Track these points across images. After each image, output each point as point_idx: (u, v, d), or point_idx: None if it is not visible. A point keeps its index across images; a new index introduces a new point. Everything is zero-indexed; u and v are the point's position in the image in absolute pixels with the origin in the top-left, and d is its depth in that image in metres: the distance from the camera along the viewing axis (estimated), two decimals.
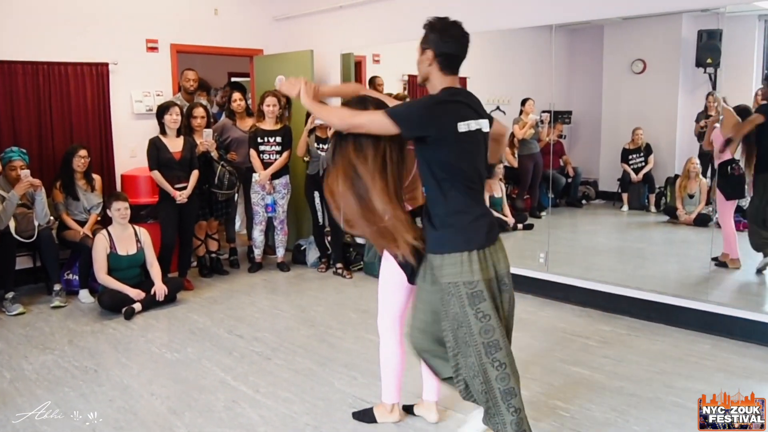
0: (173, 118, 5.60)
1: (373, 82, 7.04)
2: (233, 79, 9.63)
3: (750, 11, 5.43)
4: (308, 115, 6.04)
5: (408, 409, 3.40)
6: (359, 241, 6.53)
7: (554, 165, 7.01)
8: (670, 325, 4.63)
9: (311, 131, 6.01)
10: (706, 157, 5.90)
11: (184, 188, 5.63)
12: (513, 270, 5.13)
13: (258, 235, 6.37)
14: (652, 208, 6.83)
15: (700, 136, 5.71)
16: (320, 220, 6.24)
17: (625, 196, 6.61)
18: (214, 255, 6.38)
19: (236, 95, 6.46)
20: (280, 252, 6.49)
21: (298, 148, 6.08)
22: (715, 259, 5.07)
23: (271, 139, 6.09)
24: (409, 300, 3.06)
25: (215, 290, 5.81)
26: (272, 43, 7.45)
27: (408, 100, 3.00)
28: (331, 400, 3.58)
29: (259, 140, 6.08)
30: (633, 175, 6.40)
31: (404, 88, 7.04)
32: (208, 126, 6.03)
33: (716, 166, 5.26)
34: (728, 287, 4.91)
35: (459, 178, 2.64)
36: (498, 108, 6.87)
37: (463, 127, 2.62)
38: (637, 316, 4.80)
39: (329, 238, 6.36)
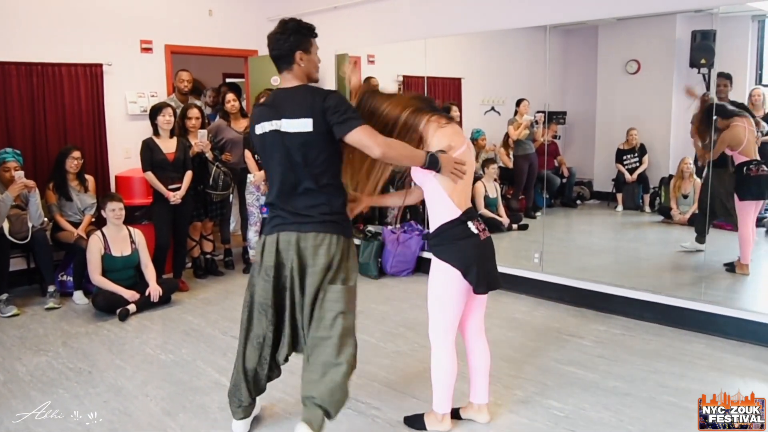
0: (166, 119, 5.59)
1: (368, 83, 7.04)
2: (228, 80, 9.63)
3: (743, 12, 5.44)
4: None
5: (455, 414, 3.29)
6: (355, 241, 6.53)
7: (549, 165, 7.03)
8: (664, 325, 4.64)
9: None
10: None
11: (178, 189, 5.62)
12: (508, 270, 5.16)
13: (253, 236, 6.36)
14: (647, 208, 6.84)
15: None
16: None
17: (619, 196, 6.62)
18: (208, 256, 6.37)
19: (230, 96, 6.45)
20: None
21: None
22: (728, 264, 5.06)
23: None
24: (463, 309, 3.07)
25: (210, 291, 5.80)
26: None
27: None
28: None
29: None
30: (627, 175, 6.41)
31: (399, 88, 7.03)
32: (202, 127, 6.03)
33: (734, 166, 5.25)
34: (722, 287, 4.92)
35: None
36: (493, 108, 6.90)
37: (258, 129, 2.91)
38: (632, 316, 4.81)
39: None
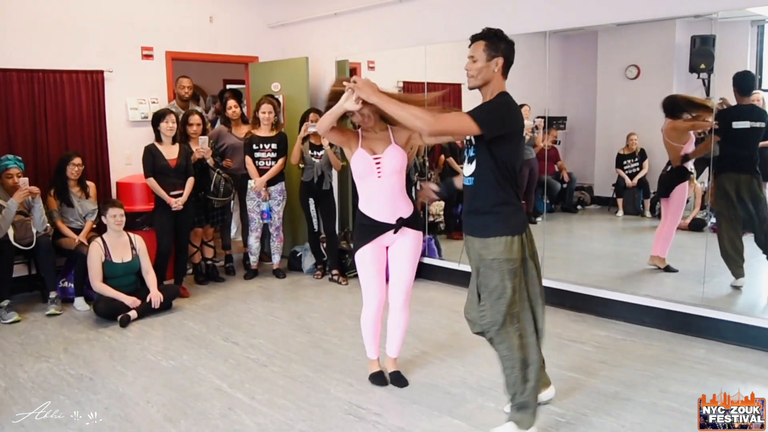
0: (169, 126, 5.61)
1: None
2: (228, 86, 9.65)
3: (742, 17, 5.45)
4: (302, 122, 6.05)
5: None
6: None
7: (549, 171, 7.03)
8: (665, 330, 4.64)
9: (305, 138, 6.02)
10: (700, 162, 5.93)
11: (180, 195, 5.63)
12: None
13: (254, 242, 6.37)
14: (647, 213, 6.84)
15: (698, 141, 5.73)
16: (315, 226, 6.24)
17: (620, 201, 6.62)
18: (209, 262, 6.38)
19: (232, 102, 6.47)
20: (276, 259, 6.49)
21: (292, 155, 6.09)
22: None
23: (267, 146, 6.10)
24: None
25: (211, 297, 5.81)
26: (267, 51, 7.47)
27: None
28: (326, 407, 3.58)
29: (255, 147, 6.09)
30: (628, 180, 6.41)
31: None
32: (203, 133, 6.04)
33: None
34: (722, 292, 4.91)
35: (514, 174, 3.04)
36: None
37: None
38: (632, 321, 4.81)
39: (324, 245, 6.36)
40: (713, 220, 5.32)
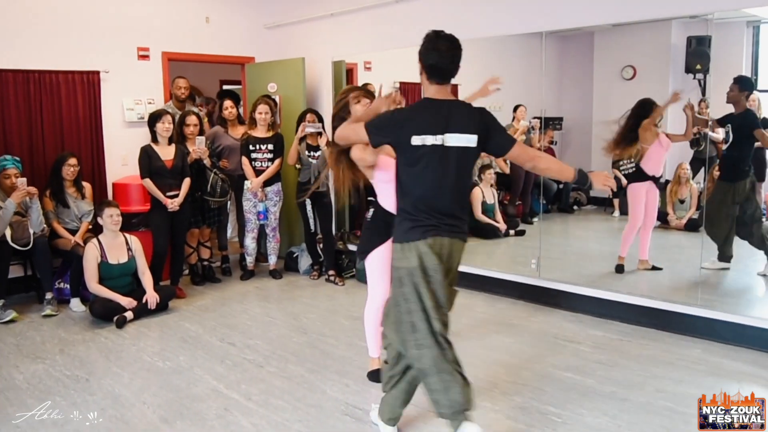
0: (165, 127, 5.60)
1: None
2: (225, 87, 9.64)
3: (738, 18, 5.46)
4: (299, 123, 6.04)
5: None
6: (351, 247, 6.54)
7: None
8: (661, 330, 4.65)
9: (302, 139, 6.01)
10: (696, 162, 5.94)
11: (176, 196, 5.62)
12: (505, 276, 5.17)
13: (250, 243, 6.37)
14: None
15: (693, 142, 5.74)
16: (312, 227, 6.24)
17: (616, 201, 6.63)
18: (206, 263, 6.37)
19: (228, 103, 6.47)
20: (273, 259, 6.49)
21: (289, 156, 6.08)
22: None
23: (263, 147, 6.10)
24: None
25: (207, 298, 5.80)
26: (264, 51, 7.46)
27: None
28: (323, 408, 3.58)
29: (251, 148, 6.09)
30: (624, 180, 6.41)
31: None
32: (200, 133, 6.04)
33: None
34: (718, 292, 4.93)
35: (409, 188, 2.93)
36: None
37: (416, 141, 2.84)
38: (629, 321, 4.82)
39: (321, 246, 6.36)
40: None
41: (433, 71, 2.93)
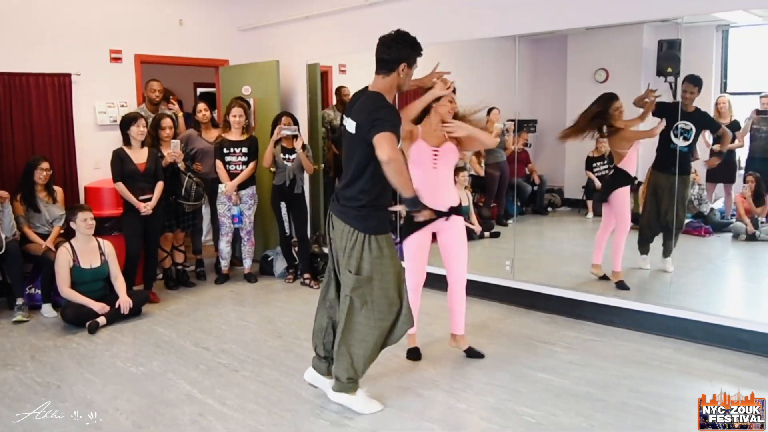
0: (140, 130, 5.55)
1: (340, 93, 7.05)
2: (200, 90, 9.61)
3: (708, 22, 5.54)
4: (274, 125, 6.01)
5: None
6: (326, 250, 6.52)
7: (520, 173, 7.08)
8: (634, 330, 4.70)
9: (277, 142, 5.99)
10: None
11: (149, 200, 5.57)
12: (480, 278, 5.19)
13: (225, 247, 6.33)
14: None
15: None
16: (287, 230, 6.22)
17: (589, 203, 6.68)
18: (180, 267, 6.32)
19: (201, 105, 6.43)
20: (247, 263, 6.45)
21: (264, 159, 6.05)
22: None
23: (237, 150, 6.07)
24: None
25: (182, 303, 5.75)
26: (238, 54, 7.42)
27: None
28: (298, 411, 3.56)
29: (225, 151, 6.06)
30: (597, 182, 6.47)
31: None
32: (175, 136, 5.99)
33: None
34: (689, 292, 4.99)
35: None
36: None
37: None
38: (602, 322, 4.86)
39: (296, 249, 6.34)
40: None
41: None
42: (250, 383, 3.96)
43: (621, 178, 5.42)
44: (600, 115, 5.30)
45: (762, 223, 5.99)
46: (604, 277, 5.31)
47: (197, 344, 4.67)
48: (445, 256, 4.14)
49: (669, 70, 5.50)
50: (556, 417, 3.41)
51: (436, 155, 3.93)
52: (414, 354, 4.25)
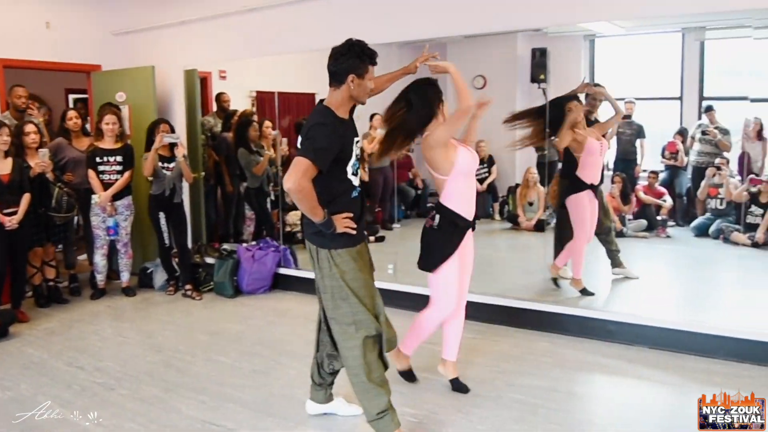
0: (3, 139, 5.21)
1: (220, 99, 6.92)
2: (73, 96, 9.17)
3: (575, 32, 5.86)
4: (150, 133, 5.81)
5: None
6: (208, 260, 6.37)
7: (404, 178, 7.21)
8: (512, 326, 4.87)
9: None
10: (542, 166, 6.30)
11: (14, 213, 5.23)
12: None
13: (100, 260, 6.04)
14: (497, 216, 7.19)
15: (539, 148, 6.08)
16: (166, 241, 6.00)
17: (496, 206, 6.90)
18: (51, 283, 5.97)
19: (72, 113, 6.11)
20: (125, 276, 6.19)
21: (144, 168, 5.80)
22: None
23: (111, 159, 5.82)
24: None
25: (54, 321, 5.43)
26: (111, 59, 7.10)
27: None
28: (178, 427, 3.46)
29: (98, 160, 5.79)
30: (477, 185, 6.68)
31: (252, 104, 6.97)
32: (41, 145, 5.66)
33: None
34: (564, 288, 5.22)
35: None
36: None
37: None
38: (481, 320, 4.98)
39: (176, 260, 6.15)
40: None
41: None
42: (127, 401, 3.80)
43: (576, 183, 5.23)
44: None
45: (629, 220, 6.40)
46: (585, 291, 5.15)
47: (70, 364, 4.43)
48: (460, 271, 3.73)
49: (541, 77, 5.77)
50: (436, 415, 3.49)
51: (475, 161, 3.70)
52: (409, 376, 3.96)
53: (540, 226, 6.53)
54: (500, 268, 6.16)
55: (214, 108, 7.00)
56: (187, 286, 6.06)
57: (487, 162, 7.06)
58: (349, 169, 3.09)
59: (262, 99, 6.81)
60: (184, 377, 4.13)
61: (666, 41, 6.32)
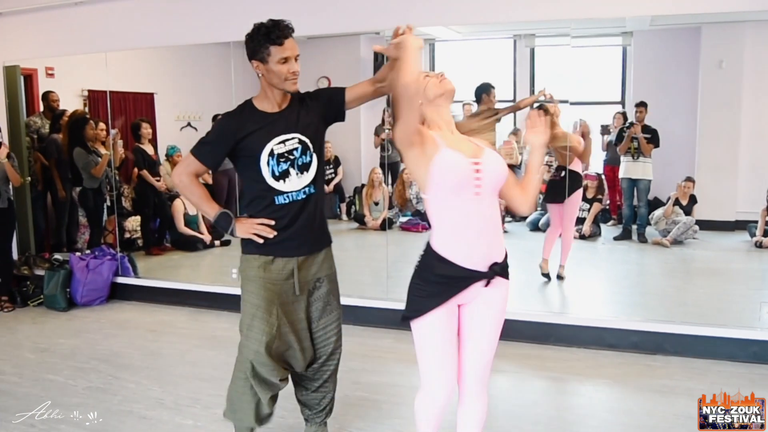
0: None
1: (47, 98, 6.47)
2: None
3: (416, 36, 6.02)
4: None
5: None
6: (38, 272, 5.93)
7: None
8: (358, 325, 4.93)
9: None
10: (384, 167, 6.45)
11: None
12: (208, 288, 5.09)
13: None
14: (344, 216, 7.27)
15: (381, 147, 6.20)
16: None
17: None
18: None
19: None
20: None
21: None
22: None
23: None
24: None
25: None
26: None
27: None
28: None
29: None
30: (325, 186, 6.73)
31: (84, 104, 6.57)
32: None
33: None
34: (405, 285, 5.35)
35: None
36: (189, 124, 6.76)
37: None
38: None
39: None
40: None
41: None
42: None
43: (578, 179, 5.58)
44: None
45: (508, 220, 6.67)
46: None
47: None
48: (464, 340, 2.45)
49: None
50: (284, 419, 3.46)
51: (478, 171, 2.29)
52: None
53: (384, 225, 6.68)
54: (347, 267, 6.20)
55: (41, 107, 6.53)
56: (3, 297, 5.63)
57: (333, 163, 7.12)
58: (266, 170, 2.71)
59: (95, 98, 6.44)
60: (11, 400, 3.80)
61: (500, 47, 6.66)
